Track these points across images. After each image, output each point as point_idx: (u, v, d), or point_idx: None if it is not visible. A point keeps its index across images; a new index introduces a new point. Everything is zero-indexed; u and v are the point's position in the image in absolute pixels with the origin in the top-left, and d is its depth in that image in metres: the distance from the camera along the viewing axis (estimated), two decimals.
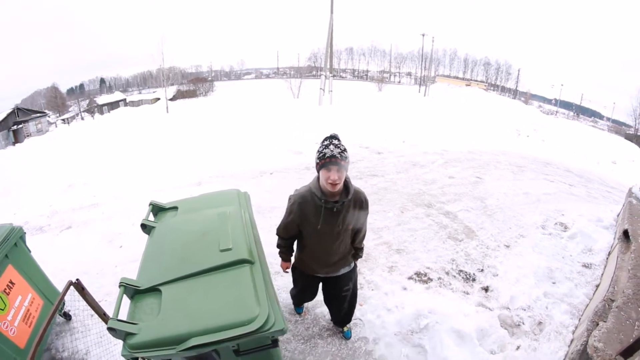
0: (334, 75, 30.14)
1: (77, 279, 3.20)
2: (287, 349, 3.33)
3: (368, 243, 5.06)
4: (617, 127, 49.83)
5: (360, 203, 2.69)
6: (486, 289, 4.20)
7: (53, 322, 4.22)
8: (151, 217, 3.04)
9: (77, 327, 4.17)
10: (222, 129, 16.98)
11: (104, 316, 3.40)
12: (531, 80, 65.99)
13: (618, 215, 5.50)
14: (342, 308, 3.23)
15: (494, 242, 5.19)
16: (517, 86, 66.51)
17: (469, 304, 3.90)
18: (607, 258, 4.62)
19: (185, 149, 13.27)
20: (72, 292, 3.91)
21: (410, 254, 4.87)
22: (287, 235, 2.89)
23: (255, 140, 13.06)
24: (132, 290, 2.16)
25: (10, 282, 3.68)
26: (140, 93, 69.80)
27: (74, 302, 4.39)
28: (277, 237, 2.98)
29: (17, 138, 39.15)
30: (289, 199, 2.73)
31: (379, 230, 5.50)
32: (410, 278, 4.39)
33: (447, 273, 4.50)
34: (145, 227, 2.86)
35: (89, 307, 3.37)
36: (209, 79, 69.85)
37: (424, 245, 5.11)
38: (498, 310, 3.86)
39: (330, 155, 2.37)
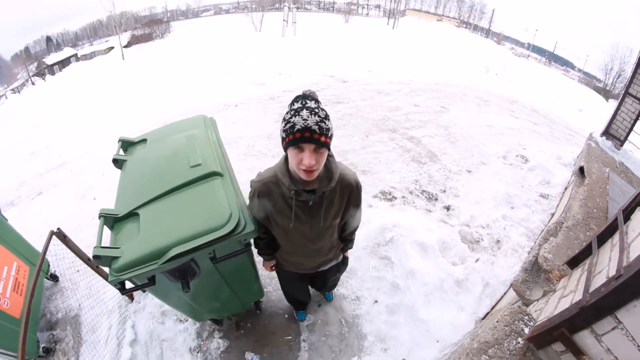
0: (297, 7, 29.14)
1: (58, 228, 3.27)
2: None
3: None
4: (588, 79, 50.72)
5: (349, 190, 1.96)
6: (448, 208, 4.54)
7: (41, 286, 4.34)
8: (122, 153, 3.05)
9: (66, 286, 4.31)
10: (182, 68, 16.73)
11: (88, 261, 3.54)
12: (505, 21, 65.99)
13: (577, 157, 5.89)
14: (330, 287, 3.31)
15: (456, 166, 5.51)
16: (490, 26, 66.42)
17: (432, 220, 4.22)
18: (563, 192, 5.01)
19: (146, 93, 13.17)
20: (54, 253, 4.06)
21: (375, 174, 5.13)
22: (262, 233, 2.17)
23: (218, 75, 12.98)
24: (111, 220, 2.24)
25: None
26: (91, 45, 65.22)
27: (58, 261, 4.51)
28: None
29: None
30: (250, 189, 2.02)
31: (345, 153, 5.71)
32: (375, 196, 4.67)
33: (411, 192, 4.79)
34: (117, 162, 2.89)
35: (73, 265, 3.51)
36: (165, 20, 65.84)
37: (388, 167, 5.37)
38: (459, 227, 4.22)
39: (302, 128, 1.52)
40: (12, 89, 47.92)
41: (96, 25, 67.15)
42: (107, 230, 2.21)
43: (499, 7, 66.28)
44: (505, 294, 3.39)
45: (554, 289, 2.62)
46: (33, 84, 48.04)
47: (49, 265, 4.65)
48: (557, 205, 4.70)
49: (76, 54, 57.66)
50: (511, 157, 6.00)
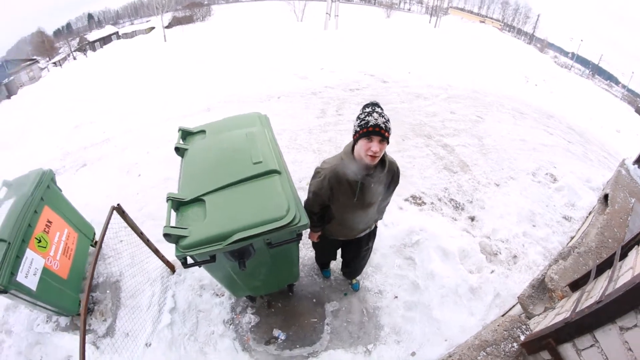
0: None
1: (118, 204, 3.66)
2: None
3: None
4: (631, 97, 48.68)
5: (393, 174, 2.62)
6: (472, 219, 4.80)
7: (86, 252, 4.85)
8: (181, 142, 3.46)
9: (108, 254, 4.79)
10: (225, 54, 17.06)
11: (140, 235, 3.97)
12: (550, 28, 63.75)
13: (607, 182, 5.91)
14: (359, 265, 3.69)
15: (485, 179, 5.71)
16: (534, 32, 64.47)
17: (456, 229, 4.49)
18: (586, 217, 5.08)
19: (189, 77, 13.57)
20: (98, 222, 4.69)
21: (407, 178, 5.43)
22: (318, 209, 2.73)
23: (260, 65, 13.25)
24: (177, 203, 2.64)
25: (48, 221, 4.26)
26: (132, 24, 66.80)
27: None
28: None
29: (10, 91, 37.70)
30: (317, 173, 2.57)
31: None
32: (406, 200, 5.00)
33: (440, 200, 5.08)
34: (179, 150, 3.30)
35: (116, 235, 3.90)
36: (205, 2, 66.22)
37: (421, 172, 5.66)
38: (480, 238, 4.48)
39: (374, 124, 2.16)
40: (54, 62, 49.33)
41: (137, 5, 69.22)
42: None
43: (544, 13, 64.31)
44: (513, 307, 3.63)
45: (554, 306, 2.90)
46: (74, 58, 49.50)
47: (94, 234, 5.17)
48: (578, 230, 4.79)
49: (117, 32, 59.23)
50: (540, 174, 6.10)
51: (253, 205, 2.50)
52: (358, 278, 4.01)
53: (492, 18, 66.77)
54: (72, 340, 4.19)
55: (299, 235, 2.57)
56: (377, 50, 14.87)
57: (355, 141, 2.32)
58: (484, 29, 49.74)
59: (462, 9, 67.43)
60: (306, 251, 4.17)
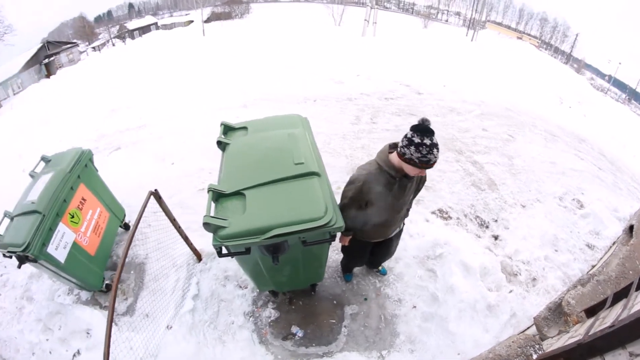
0: (378, 6, 29.10)
1: (156, 189, 3.82)
2: None
3: None
4: None
5: (421, 176, 2.75)
6: (496, 237, 4.83)
7: (114, 232, 5.11)
8: (222, 136, 3.58)
9: (136, 236, 4.88)
10: (262, 52, 17.30)
11: (173, 221, 4.13)
12: (588, 48, 62.03)
13: (635, 213, 5.83)
14: (386, 259, 3.87)
15: (512, 199, 5.71)
16: (571, 51, 62.96)
17: (479, 246, 4.53)
18: (609, 246, 4.98)
19: (226, 72, 13.82)
20: (127, 204, 5.26)
21: (436, 192, 5.50)
22: (354, 214, 2.82)
23: (298, 67, 13.41)
24: (217, 195, 2.79)
25: (83, 198, 4.50)
26: (171, 16, 67.86)
27: (132, 214, 5.50)
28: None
29: (49, 71, 39.03)
30: (355, 179, 2.67)
31: None
32: (433, 212, 5.08)
33: (466, 216, 5.12)
34: (220, 144, 3.44)
35: (145, 219, 3.92)
36: (245, 0, 66.97)
37: (449, 186, 5.71)
38: (502, 257, 4.51)
39: (432, 163, 2.34)
40: (93, 47, 50.66)
41: None
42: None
43: (583, 32, 62.62)
44: (528, 328, 3.66)
45: (568, 330, 2.95)
46: (113, 45, 50.78)
47: (124, 215, 5.42)
48: (600, 259, 4.73)
49: (156, 23, 60.30)
50: (567, 199, 6.04)
51: (292, 203, 2.62)
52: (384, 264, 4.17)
53: (529, 35, 65.31)
54: (92, 314, 4.39)
55: (333, 237, 2.68)
56: (413, 61, 14.86)
57: (402, 160, 2.41)
58: (520, 45, 48.92)
59: (499, 24, 66.18)
60: (331, 254, 4.26)
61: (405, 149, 2.35)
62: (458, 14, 66.53)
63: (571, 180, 6.76)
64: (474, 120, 8.82)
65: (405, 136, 2.38)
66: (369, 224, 2.90)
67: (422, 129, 2.32)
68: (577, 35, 62.79)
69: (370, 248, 3.43)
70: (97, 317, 4.37)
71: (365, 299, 4.01)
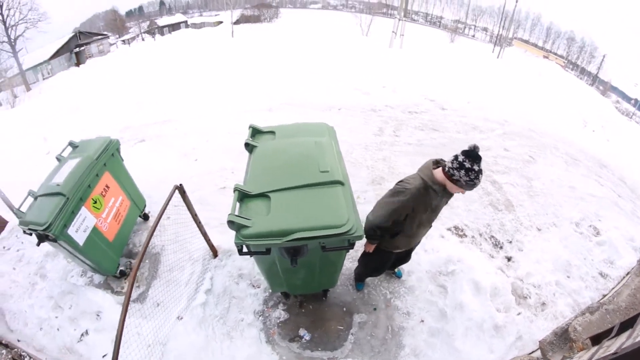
0: (406, 18, 29.06)
1: (181, 184, 3.94)
2: None
3: None
4: None
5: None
6: (509, 259, 4.83)
7: (133, 221, 5.27)
8: (250, 138, 3.68)
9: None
10: (289, 57, 17.44)
11: (195, 216, 4.25)
12: (615, 70, 60.75)
13: None
14: (402, 264, 3.99)
15: (528, 221, 5.69)
16: (598, 72, 61.74)
17: (492, 266, 4.55)
18: (623, 277, 4.93)
19: (254, 74, 13.97)
20: (148, 195, 5.46)
21: (453, 209, 5.52)
22: (390, 224, 2.92)
23: (324, 74, 13.48)
24: (242, 194, 2.89)
25: (107, 186, 4.67)
26: (201, 15, 69.19)
27: (151, 205, 5.75)
28: (369, 225, 3.00)
29: (79, 59, 40.34)
30: (401, 192, 2.76)
31: None
32: (449, 229, 5.11)
33: (481, 235, 5.14)
34: (248, 146, 3.55)
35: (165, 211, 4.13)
36: (274, 4, 67.54)
37: (466, 205, 5.72)
38: (513, 279, 4.51)
39: (475, 186, 2.59)
40: (123, 40, 51.93)
41: None
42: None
43: (611, 53, 61.30)
44: (533, 352, 3.66)
45: (572, 357, 2.96)
46: (143, 39, 51.87)
47: (144, 205, 5.57)
48: (612, 288, 4.68)
49: (186, 21, 61.27)
50: (584, 225, 5.95)
51: (315, 209, 2.71)
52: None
53: (556, 54, 64.21)
54: (104, 298, 4.53)
55: (352, 245, 2.75)
56: (439, 75, 14.80)
57: (449, 179, 2.60)
58: (547, 64, 48.10)
59: (526, 41, 65.18)
60: (345, 261, 4.30)
61: (455, 171, 2.53)
62: (485, 29, 65.83)
63: (589, 206, 6.67)
64: (496, 139, 8.77)
65: (456, 159, 2.54)
66: (401, 234, 3.06)
67: (474, 155, 2.50)
68: (604, 56, 61.44)
69: (393, 260, 3.53)
70: (108, 301, 4.51)
71: (375, 309, 4.06)
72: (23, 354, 4.04)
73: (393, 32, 25.68)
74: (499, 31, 51.06)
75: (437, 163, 2.78)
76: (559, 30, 64.63)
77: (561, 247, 5.27)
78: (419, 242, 3.51)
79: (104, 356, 4.00)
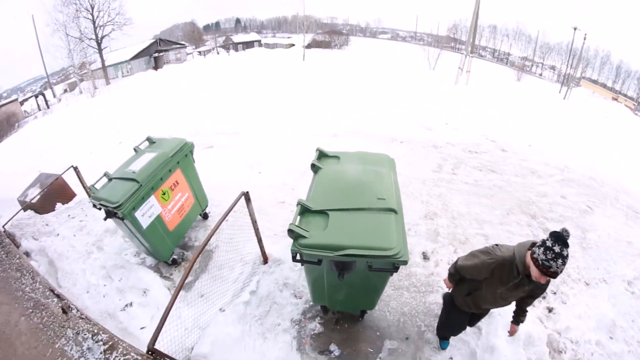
0: (473, 53, 28.64)
1: (247, 192, 4.26)
2: None
3: (470, 231, 5.84)
4: None
5: (536, 285, 2.68)
6: (550, 310, 4.69)
7: (194, 218, 5.70)
8: (316, 160, 3.96)
9: (211, 226, 5.34)
10: (357, 86, 17.83)
11: (254, 223, 4.57)
12: None
13: None
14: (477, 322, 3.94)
15: (577, 274, 5.50)
16: None
17: (531, 314, 4.39)
18: None
19: (322, 99, 14.52)
20: (211, 198, 5.88)
21: None
22: (467, 275, 3.03)
23: (389, 106, 13.73)
24: (303, 209, 3.16)
25: (176, 182, 5.15)
26: (274, 36, 72.05)
27: (212, 207, 6.15)
28: (454, 265, 3.16)
29: (157, 64, 44.01)
30: (489, 252, 2.80)
31: (483, 222, 6.17)
32: None
33: None
34: (314, 167, 3.85)
35: (222, 212, 4.37)
36: (345, 32, 68.74)
37: None
38: (550, 331, 4.39)
39: (552, 272, 2.35)
40: (199, 51, 55.48)
41: (281, 20, 75.13)
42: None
43: None
44: None
45: None
46: (218, 53, 54.94)
47: (206, 206, 5.99)
48: None
49: (260, 40, 63.83)
50: (637, 285, 5.64)
51: (368, 231, 2.90)
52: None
53: (625, 95, 60.22)
54: (154, 279, 4.97)
55: (396, 268, 2.90)
56: (502, 115, 14.50)
57: (534, 265, 2.44)
58: (615, 107, 45.55)
59: (595, 81, 61.69)
60: (386, 288, 4.37)
61: (536, 248, 2.45)
62: (553, 67, 63.15)
63: None
64: (553, 185, 8.49)
65: (544, 238, 2.47)
66: (475, 295, 3.07)
67: (557, 236, 2.37)
68: None
69: (468, 320, 3.56)
70: (157, 283, 4.90)
71: (407, 339, 4.10)
72: (72, 306, 4.40)
73: (459, 68, 25.47)
74: (566, 70, 49.01)
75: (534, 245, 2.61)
76: (629, 69, 60.34)
77: (609, 305, 5.04)
78: (488, 312, 3.52)
79: (142, 328, 4.34)
